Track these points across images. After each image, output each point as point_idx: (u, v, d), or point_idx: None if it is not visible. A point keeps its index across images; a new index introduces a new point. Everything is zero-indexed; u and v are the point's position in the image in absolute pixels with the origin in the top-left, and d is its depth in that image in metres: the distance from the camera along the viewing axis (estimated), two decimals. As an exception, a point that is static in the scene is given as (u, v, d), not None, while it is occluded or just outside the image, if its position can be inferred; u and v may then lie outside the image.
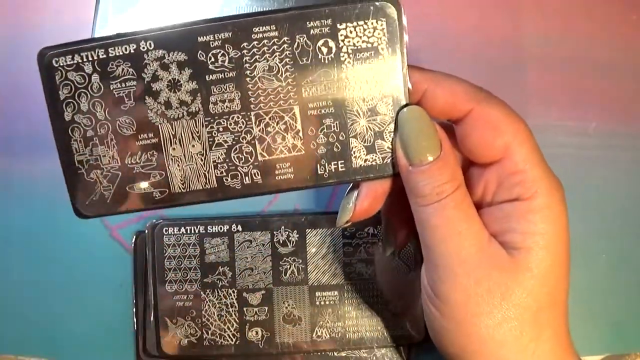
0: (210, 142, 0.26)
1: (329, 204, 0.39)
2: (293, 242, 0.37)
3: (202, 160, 0.27)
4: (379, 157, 0.27)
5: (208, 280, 0.36)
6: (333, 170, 0.27)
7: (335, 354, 0.37)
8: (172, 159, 0.27)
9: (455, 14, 0.38)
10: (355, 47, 0.26)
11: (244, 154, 0.27)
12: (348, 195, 0.28)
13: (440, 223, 0.26)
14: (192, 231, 0.36)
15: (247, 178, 0.27)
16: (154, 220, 0.37)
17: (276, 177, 0.27)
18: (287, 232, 0.37)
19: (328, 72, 0.26)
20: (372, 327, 0.37)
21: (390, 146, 0.27)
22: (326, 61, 0.26)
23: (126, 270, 0.38)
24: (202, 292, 0.36)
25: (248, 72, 0.26)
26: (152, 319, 0.36)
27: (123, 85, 0.26)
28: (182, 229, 0.36)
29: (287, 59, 0.26)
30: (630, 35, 0.40)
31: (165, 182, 0.27)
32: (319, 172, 0.27)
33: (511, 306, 0.26)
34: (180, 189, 0.27)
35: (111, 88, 0.26)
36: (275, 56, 0.26)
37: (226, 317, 0.36)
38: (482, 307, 0.26)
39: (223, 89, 0.26)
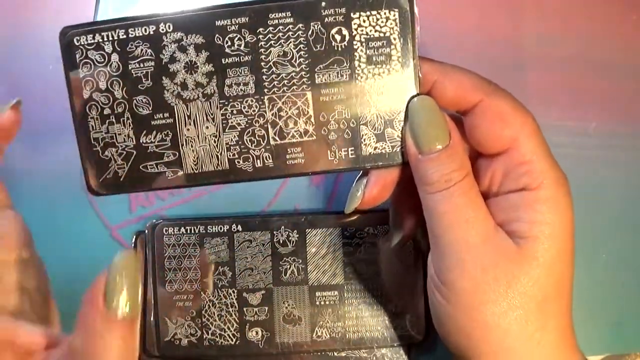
0: (224, 124, 0.27)
1: (329, 204, 0.39)
2: (293, 242, 0.37)
3: (215, 141, 0.27)
4: (388, 146, 0.27)
5: (208, 280, 0.36)
6: (343, 156, 0.27)
7: (335, 354, 0.37)
8: (186, 140, 0.27)
9: (455, 14, 0.38)
10: (368, 36, 0.27)
11: (257, 137, 0.27)
12: (357, 182, 0.29)
13: (448, 210, 0.26)
14: (192, 231, 0.36)
15: (258, 161, 0.27)
16: (154, 220, 0.37)
17: (287, 162, 0.27)
18: (287, 232, 0.37)
19: (341, 59, 0.27)
20: (372, 327, 0.37)
21: (400, 135, 0.27)
22: (339, 49, 0.27)
23: (126, 270, 0.38)
24: (202, 292, 0.36)
25: (263, 56, 0.27)
26: (152, 319, 0.36)
27: (141, 65, 0.27)
28: (182, 229, 0.36)
29: (302, 46, 0.27)
30: (630, 35, 0.40)
31: (178, 163, 0.27)
32: (329, 158, 0.27)
33: (517, 295, 0.26)
34: (192, 169, 0.27)
35: (129, 68, 0.27)
36: (290, 42, 0.27)
37: (226, 317, 0.36)
38: (488, 294, 0.26)
39: (238, 73, 0.27)
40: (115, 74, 0.27)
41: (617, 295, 0.39)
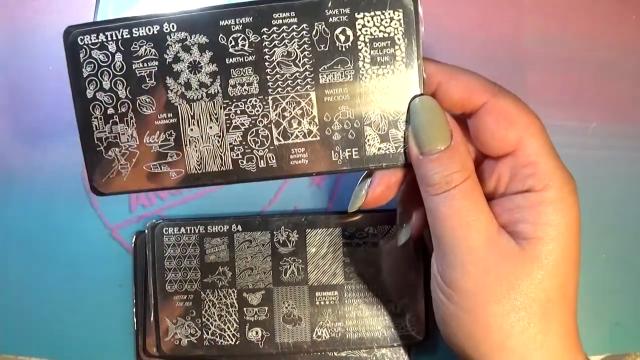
0: (228, 125, 0.27)
1: (329, 204, 0.39)
2: (293, 242, 0.37)
3: (219, 142, 0.27)
4: (392, 146, 0.27)
5: (208, 280, 0.36)
6: (347, 157, 0.27)
7: (335, 354, 0.37)
8: (189, 140, 0.27)
9: (455, 14, 0.38)
10: (372, 37, 0.26)
11: (260, 137, 0.27)
12: (361, 182, 0.29)
13: (450, 212, 0.26)
14: (192, 231, 0.36)
15: (262, 161, 0.27)
16: (154, 220, 0.37)
17: (291, 162, 0.27)
18: (287, 232, 0.37)
19: (345, 59, 0.27)
20: (372, 327, 0.37)
21: (404, 135, 0.27)
22: (343, 49, 0.27)
23: (126, 270, 0.38)
24: (202, 292, 0.36)
25: (267, 56, 0.27)
26: (152, 319, 0.36)
27: (145, 65, 0.27)
28: (182, 229, 0.36)
29: (306, 46, 0.27)
30: (630, 35, 0.40)
31: (181, 163, 0.27)
32: (333, 159, 0.27)
33: (519, 296, 0.26)
34: (196, 170, 0.27)
35: (133, 67, 0.27)
36: (294, 42, 0.26)
37: (226, 317, 0.36)
38: (491, 296, 0.26)
39: (242, 73, 0.27)
40: (119, 73, 0.27)
41: (617, 295, 0.39)
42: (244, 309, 0.36)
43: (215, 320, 0.36)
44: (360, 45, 0.27)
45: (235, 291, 0.36)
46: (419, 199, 0.28)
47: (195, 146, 0.27)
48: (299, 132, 0.27)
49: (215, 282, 0.36)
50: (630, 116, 0.40)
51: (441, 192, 0.26)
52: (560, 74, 0.39)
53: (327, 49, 0.27)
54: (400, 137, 0.27)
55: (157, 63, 0.27)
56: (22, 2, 0.39)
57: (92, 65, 0.27)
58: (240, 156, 0.27)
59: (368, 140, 0.27)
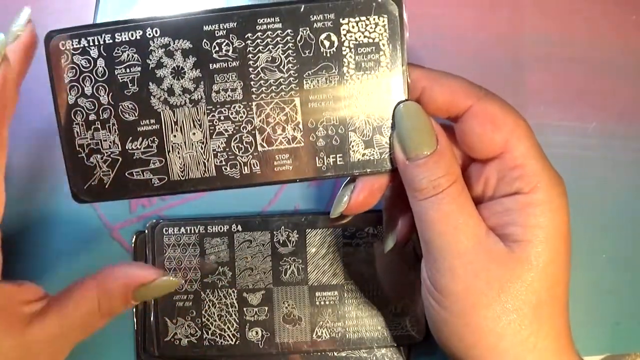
0: (211, 131, 0.27)
1: (329, 204, 0.39)
2: (293, 242, 0.37)
3: (202, 148, 0.27)
4: (376, 152, 0.27)
5: (208, 280, 0.36)
6: (331, 163, 0.27)
7: (335, 354, 0.37)
8: (172, 146, 0.27)
9: (454, 14, 0.38)
10: (357, 42, 0.26)
11: (244, 143, 0.27)
12: (344, 187, 0.29)
13: (437, 217, 0.26)
14: (192, 231, 0.36)
15: (246, 168, 0.27)
16: (154, 220, 0.37)
17: (275, 169, 0.27)
18: (287, 232, 0.37)
19: (329, 65, 0.27)
20: (372, 327, 0.37)
21: (388, 141, 0.27)
22: (328, 55, 0.27)
23: (126, 270, 0.38)
24: (202, 292, 0.36)
25: (251, 62, 0.26)
26: (152, 319, 0.36)
27: (128, 70, 0.26)
28: (182, 229, 0.36)
29: (290, 51, 0.26)
30: (630, 35, 0.40)
31: (164, 169, 0.27)
32: (317, 165, 0.27)
33: (510, 299, 0.26)
34: (179, 176, 0.27)
35: (116, 73, 0.26)
36: (279, 48, 0.26)
37: (226, 317, 0.36)
38: (481, 299, 0.26)
39: (226, 78, 0.26)
40: (101, 79, 0.26)
41: (617, 295, 0.39)
42: (244, 309, 0.36)
43: (215, 320, 0.36)
44: (345, 50, 0.26)
45: (235, 291, 0.36)
46: (405, 204, 0.28)
47: (179, 153, 0.27)
48: (283, 138, 0.27)
49: (215, 282, 0.36)
50: (630, 116, 0.40)
51: (429, 196, 0.26)
52: (560, 74, 0.39)
53: (311, 54, 0.26)
54: (385, 143, 0.27)
55: (139, 69, 0.26)
56: (23, 2, 0.39)
57: (74, 70, 0.26)
58: (223, 162, 0.27)
59: (352, 146, 0.27)
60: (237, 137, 0.27)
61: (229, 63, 0.26)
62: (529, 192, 0.26)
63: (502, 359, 0.26)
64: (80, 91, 0.26)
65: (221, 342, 0.36)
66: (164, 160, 0.27)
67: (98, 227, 0.38)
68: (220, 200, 0.38)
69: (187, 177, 0.27)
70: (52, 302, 0.29)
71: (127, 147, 0.27)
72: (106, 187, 0.27)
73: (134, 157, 0.27)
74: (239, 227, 0.37)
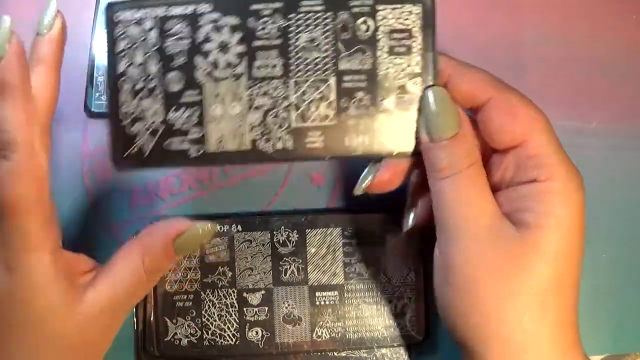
0: (250, 105, 0.28)
1: (329, 204, 0.39)
2: (293, 242, 0.37)
3: (240, 121, 0.28)
4: (404, 134, 0.28)
5: (208, 280, 0.36)
6: (360, 143, 0.28)
7: (335, 354, 0.37)
8: (212, 118, 0.28)
9: (454, 14, 0.38)
10: (391, 28, 0.28)
11: (280, 118, 0.28)
12: (370, 167, 0.30)
13: (454, 196, 0.27)
14: (192, 231, 0.36)
15: (279, 143, 0.28)
16: (154, 221, 0.37)
17: (306, 145, 0.28)
18: (287, 232, 0.37)
19: (364, 48, 0.28)
20: (372, 327, 0.37)
21: (415, 124, 0.28)
22: (364, 38, 0.28)
23: (126, 270, 0.38)
24: (202, 292, 0.36)
25: (292, 41, 0.28)
26: (152, 319, 0.36)
27: (177, 43, 0.27)
28: (182, 229, 0.36)
29: (329, 33, 0.28)
30: (630, 35, 0.40)
31: (202, 140, 0.28)
32: (347, 144, 0.28)
33: (515, 284, 0.26)
34: (215, 148, 0.28)
35: (165, 45, 0.27)
36: (319, 29, 0.28)
37: (226, 317, 0.36)
38: (487, 282, 0.26)
39: (267, 55, 0.28)
40: (151, 50, 0.28)
41: (617, 295, 0.39)
42: (244, 309, 0.36)
43: (215, 320, 0.36)
44: (379, 35, 0.28)
45: (235, 291, 0.36)
46: (427, 189, 0.29)
47: (217, 125, 0.28)
48: (316, 115, 0.28)
49: (215, 282, 0.36)
50: (630, 116, 0.40)
51: (447, 176, 0.27)
52: (560, 74, 0.39)
53: (348, 37, 0.28)
54: (412, 126, 0.28)
55: (188, 41, 0.27)
56: (22, 2, 0.39)
57: (127, 40, 0.28)
58: (259, 137, 0.28)
59: (381, 128, 0.28)
60: (273, 112, 0.28)
61: (271, 41, 0.27)
62: (545, 181, 0.27)
63: (503, 343, 0.26)
64: (131, 60, 0.28)
65: (221, 342, 0.36)
66: (202, 131, 0.28)
67: (98, 227, 0.38)
68: (220, 200, 0.38)
69: (223, 150, 0.28)
70: (100, 271, 0.30)
71: (168, 117, 0.28)
72: (145, 155, 0.28)
73: (174, 127, 0.28)
74: (239, 227, 0.37)
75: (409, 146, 0.28)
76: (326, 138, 0.28)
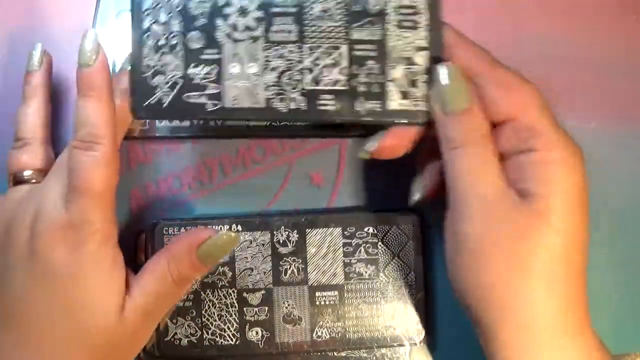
0: (266, 66, 0.30)
1: (329, 204, 0.39)
2: (293, 242, 0.37)
3: (256, 80, 0.30)
4: (411, 104, 0.30)
5: (208, 280, 0.36)
6: (369, 108, 0.30)
7: (335, 354, 0.37)
8: (229, 76, 0.30)
9: (454, 14, 0.38)
10: (400, 4, 0.30)
11: (294, 80, 0.30)
12: (377, 134, 0.31)
13: (464, 165, 0.28)
14: (192, 231, 0.36)
15: (293, 103, 0.30)
16: (154, 220, 0.37)
17: (318, 107, 0.30)
18: (287, 232, 0.37)
19: (374, 21, 0.30)
20: (372, 327, 0.37)
21: (422, 95, 0.30)
22: (374, 12, 0.30)
23: (126, 270, 0.38)
24: (202, 292, 0.36)
25: (307, 9, 0.30)
26: (152, 319, 0.36)
27: (200, 4, 0.29)
28: (182, 229, 0.36)
29: (342, 4, 0.30)
30: (630, 35, 0.40)
31: (219, 96, 0.30)
32: (356, 109, 0.30)
33: (522, 251, 0.27)
34: (231, 104, 0.30)
35: (189, 6, 0.29)
36: (332, 1, 0.30)
37: (226, 317, 0.36)
38: (493, 249, 0.27)
39: (284, 21, 0.30)
40: (175, 10, 0.29)
41: (617, 295, 0.39)
42: (244, 309, 0.36)
43: (215, 320, 0.36)
44: (388, 9, 0.30)
45: (235, 291, 0.36)
46: (435, 162, 0.30)
47: (234, 82, 0.30)
48: (328, 79, 0.30)
49: (215, 282, 0.36)
50: (630, 116, 0.40)
51: (459, 146, 0.28)
52: (560, 74, 0.39)
53: (359, 9, 0.30)
54: (420, 96, 0.30)
55: (210, 4, 0.29)
56: (23, 1, 0.39)
57: (152, 1, 0.30)
58: (273, 96, 0.30)
59: (390, 96, 0.30)
60: (288, 74, 0.30)
61: (288, 9, 0.29)
62: (542, 150, 0.28)
63: (511, 314, 0.27)
64: (155, 18, 0.30)
65: (221, 342, 0.36)
66: (220, 87, 0.30)
67: (98, 227, 0.38)
68: (220, 200, 0.38)
69: (239, 106, 0.30)
70: (132, 279, 0.31)
71: (188, 72, 0.30)
72: (164, 106, 0.30)
73: (193, 82, 0.30)
74: (239, 227, 0.37)
75: (417, 116, 0.30)
76: (337, 102, 0.30)
